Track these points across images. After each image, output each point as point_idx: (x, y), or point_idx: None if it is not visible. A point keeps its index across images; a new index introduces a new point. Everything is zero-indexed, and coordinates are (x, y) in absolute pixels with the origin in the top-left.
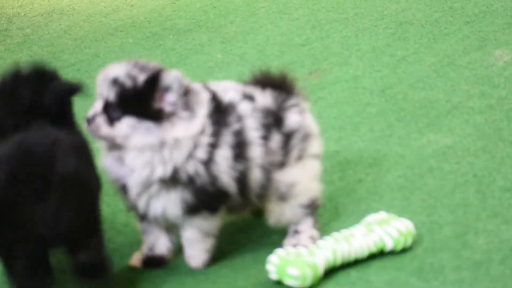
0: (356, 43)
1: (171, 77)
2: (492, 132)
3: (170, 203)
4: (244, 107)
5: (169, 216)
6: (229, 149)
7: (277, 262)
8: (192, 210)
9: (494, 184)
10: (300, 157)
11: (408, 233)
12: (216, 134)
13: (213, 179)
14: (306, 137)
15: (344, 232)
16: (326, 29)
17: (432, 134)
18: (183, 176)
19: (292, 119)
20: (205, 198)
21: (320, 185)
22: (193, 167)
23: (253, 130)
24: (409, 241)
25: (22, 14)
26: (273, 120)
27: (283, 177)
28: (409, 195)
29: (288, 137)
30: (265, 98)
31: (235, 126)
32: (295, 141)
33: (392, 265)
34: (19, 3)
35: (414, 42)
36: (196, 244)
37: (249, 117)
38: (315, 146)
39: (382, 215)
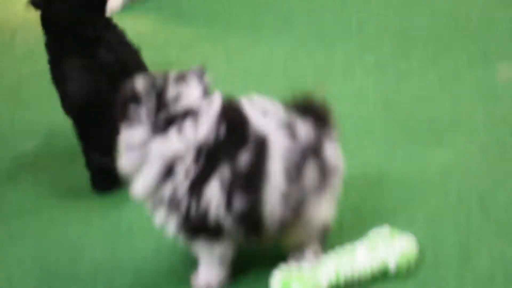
0: (360, 57)
1: (141, 87)
2: (496, 149)
3: (164, 220)
4: (278, 136)
5: (168, 232)
6: (221, 184)
7: (280, 277)
8: (187, 232)
9: (498, 202)
10: (329, 191)
11: (410, 252)
12: (206, 165)
13: (202, 211)
14: (335, 172)
15: (348, 247)
16: (330, 42)
17: (435, 151)
18: (158, 196)
19: (329, 153)
20: (192, 226)
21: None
22: (171, 191)
23: (278, 163)
24: (411, 260)
25: (27, 27)
26: (311, 152)
27: (316, 208)
28: (412, 212)
29: (324, 170)
30: (305, 129)
31: (245, 157)
32: (329, 175)
33: (395, 286)
34: (24, 16)
35: (418, 56)
36: (206, 267)
37: (280, 148)
38: (340, 182)
39: (385, 230)
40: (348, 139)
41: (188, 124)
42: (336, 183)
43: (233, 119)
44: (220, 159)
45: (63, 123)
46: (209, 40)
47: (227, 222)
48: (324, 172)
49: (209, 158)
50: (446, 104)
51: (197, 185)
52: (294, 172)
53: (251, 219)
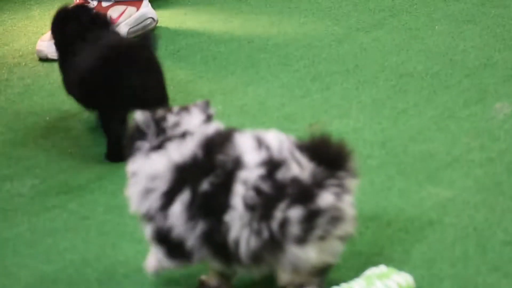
0: (356, 95)
1: (141, 120)
2: (492, 185)
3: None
4: (253, 171)
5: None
6: (185, 207)
7: None
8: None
9: (494, 237)
10: (322, 238)
11: (408, 287)
12: (175, 184)
13: (168, 229)
14: (334, 219)
15: (344, 285)
16: (327, 81)
17: (432, 187)
18: (141, 212)
19: (324, 199)
20: (161, 239)
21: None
22: (147, 209)
23: (241, 196)
24: None
25: (23, 64)
26: (294, 195)
27: (299, 252)
28: (409, 248)
29: (313, 215)
30: (302, 169)
31: (207, 184)
32: (321, 221)
33: None
34: (20, 53)
35: (415, 94)
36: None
37: (248, 183)
38: (343, 228)
39: (382, 268)
40: None
41: (173, 145)
42: (334, 231)
43: (212, 146)
44: (186, 182)
45: (60, 161)
46: (206, 79)
47: (191, 241)
48: (313, 218)
49: (179, 178)
50: (443, 141)
51: (165, 203)
52: (262, 210)
53: (215, 242)
